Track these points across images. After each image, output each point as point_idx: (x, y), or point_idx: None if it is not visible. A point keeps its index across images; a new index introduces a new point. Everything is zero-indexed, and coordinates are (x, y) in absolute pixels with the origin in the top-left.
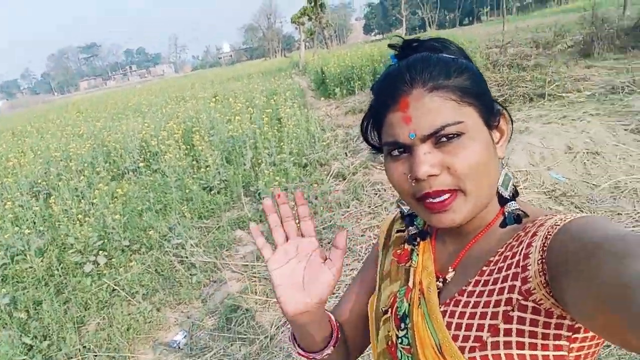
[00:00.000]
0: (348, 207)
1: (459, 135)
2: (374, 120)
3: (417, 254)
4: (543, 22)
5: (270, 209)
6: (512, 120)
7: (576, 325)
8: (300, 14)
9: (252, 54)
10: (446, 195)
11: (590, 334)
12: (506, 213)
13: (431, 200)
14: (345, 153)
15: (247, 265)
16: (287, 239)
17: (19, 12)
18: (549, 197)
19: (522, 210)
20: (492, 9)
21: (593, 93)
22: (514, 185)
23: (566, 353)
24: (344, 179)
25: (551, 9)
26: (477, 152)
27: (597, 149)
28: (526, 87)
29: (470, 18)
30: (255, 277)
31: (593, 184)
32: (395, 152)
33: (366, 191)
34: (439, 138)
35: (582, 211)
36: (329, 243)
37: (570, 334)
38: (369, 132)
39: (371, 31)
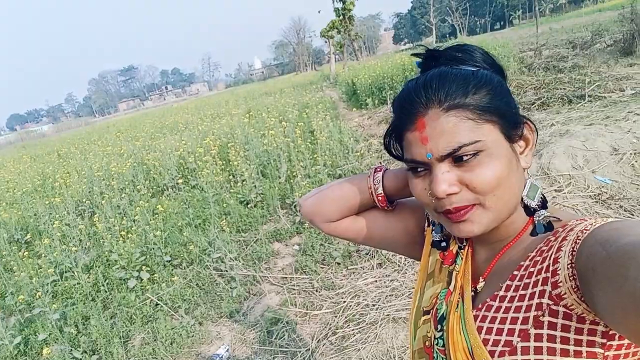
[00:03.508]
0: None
1: (476, 153)
2: (395, 136)
3: (462, 258)
4: (578, 22)
5: None
6: (536, 129)
7: (611, 332)
8: (329, 27)
9: (283, 69)
10: (464, 208)
11: (627, 341)
12: (536, 222)
13: (451, 211)
14: (380, 162)
15: (285, 277)
16: None
17: (60, 38)
18: (596, 202)
19: (553, 217)
20: (524, 12)
21: (637, 92)
22: (542, 195)
23: None
24: None
25: (586, 9)
26: (496, 169)
27: None
28: (564, 89)
29: (502, 22)
30: (294, 289)
31: None
32: (416, 169)
33: None
34: (457, 157)
35: (632, 215)
36: (366, 254)
37: (604, 340)
38: (392, 144)
39: (401, 41)
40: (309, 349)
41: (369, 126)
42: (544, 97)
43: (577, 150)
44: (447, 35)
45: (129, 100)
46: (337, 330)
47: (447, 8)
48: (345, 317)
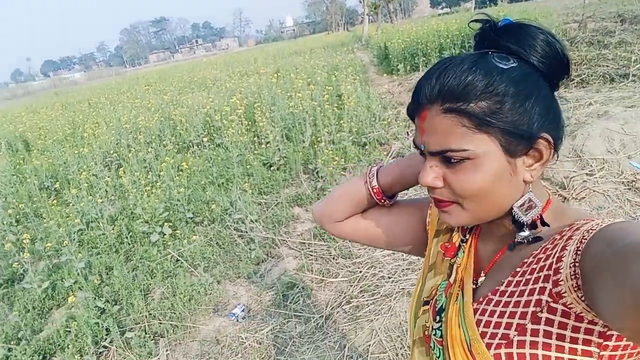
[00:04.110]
0: (407, 189)
1: (462, 159)
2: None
3: (464, 251)
4: None
5: None
6: (555, 147)
7: (608, 333)
8: None
9: (315, 27)
10: (444, 201)
11: (624, 342)
12: (516, 239)
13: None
14: (407, 132)
15: (304, 243)
16: None
17: None
18: (629, 188)
19: (534, 236)
20: None
21: None
22: (539, 214)
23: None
24: None
25: None
26: (478, 180)
27: None
28: (607, 66)
29: None
30: (312, 255)
31: None
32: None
33: None
34: (444, 158)
35: None
36: None
37: (601, 340)
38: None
39: (438, 4)
40: (322, 316)
41: (398, 93)
42: (584, 74)
43: (614, 134)
44: (487, 2)
45: (159, 52)
46: (351, 300)
47: None
48: (360, 287)
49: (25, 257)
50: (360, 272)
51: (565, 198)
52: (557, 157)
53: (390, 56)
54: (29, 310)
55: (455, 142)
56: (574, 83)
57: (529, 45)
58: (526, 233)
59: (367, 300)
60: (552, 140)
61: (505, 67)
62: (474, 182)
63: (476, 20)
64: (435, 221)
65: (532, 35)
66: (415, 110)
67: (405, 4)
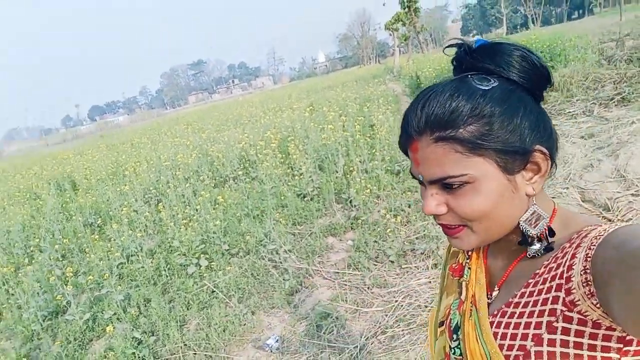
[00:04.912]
0: None
1: (462, 184)
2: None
3: (469, 268)
4: None
5: None
6: (552, 158)
7: (628, 338)
8: (394, 20)
9: (347, 62)
10: (453, 227)
11: None
12: (528, 254)
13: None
14: None
15: (338, 273)
16: None
17: (135, 33)
18: None
19: (542, 250)
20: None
21: None
22: (546, 226)
23: None
24: None
25: None
26: (480, 202)
27: None
28: None
29: (581, 11)
30: (346, 285)
31: None
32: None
33: None
34: (444, 184)
35: None
36: (422, 254)
37: (620, 345)
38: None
39: (469, 32)
40: (357, 346)
41: None
42: (624, 92)
43: None
44: (519, 27)
45: (198, 93)
46: (386, 330)
47: None
48: (396, 317)
49: (68, 290)
50: (396, 301)
51: (610, 220)
52: (556, 166)
53: (422, 85)
54: (70, 341)
55: (451, 168)
56: (614, 102)
57: (506, 62)
58: (537, 246)
59: (402, 330)
60: (547, 152)
61: (487, 87)
62: (477, 205)
63: (450, 46)
64: (445, 253)
65: (507, 53)
66: (406, 142)
67: (436, 34)
